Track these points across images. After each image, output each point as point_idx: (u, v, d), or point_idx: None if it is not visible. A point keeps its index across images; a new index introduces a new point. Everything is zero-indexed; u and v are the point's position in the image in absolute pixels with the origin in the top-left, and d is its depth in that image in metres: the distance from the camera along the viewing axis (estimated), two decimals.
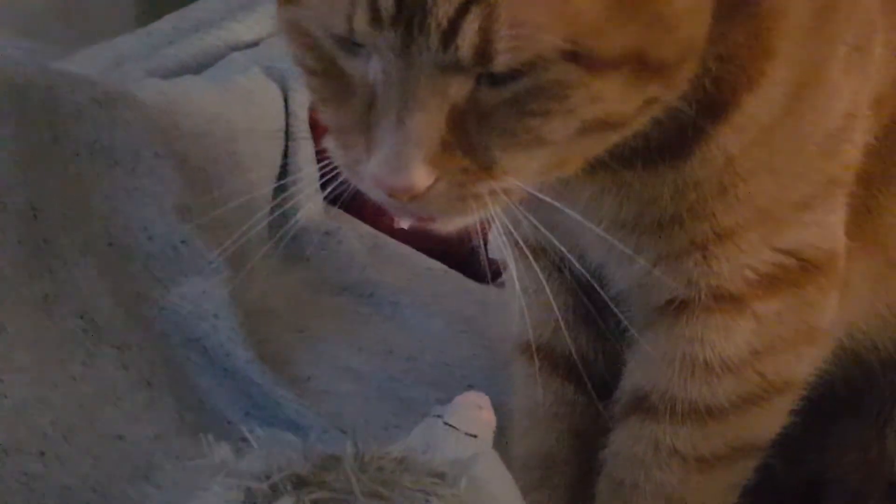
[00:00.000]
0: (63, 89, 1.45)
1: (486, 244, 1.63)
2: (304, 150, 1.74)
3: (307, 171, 1.70)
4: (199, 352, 1.32)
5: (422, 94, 0.77)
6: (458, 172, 0.80)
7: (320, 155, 1.73)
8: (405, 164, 0.78)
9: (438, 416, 0.99)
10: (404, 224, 1.71)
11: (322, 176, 1.60)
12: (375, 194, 0.83)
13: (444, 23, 0.74)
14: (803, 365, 1.04)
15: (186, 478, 0.95)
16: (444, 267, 1.68)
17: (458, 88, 0.78)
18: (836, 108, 0.96)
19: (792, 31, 0.90)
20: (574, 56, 0.76)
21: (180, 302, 1.35)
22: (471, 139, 0.80)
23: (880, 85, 0.99)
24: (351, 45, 0.80)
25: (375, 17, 0.75)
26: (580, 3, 0.75)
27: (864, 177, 1.01)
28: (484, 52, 0.75)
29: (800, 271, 0.99)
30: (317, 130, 1.77)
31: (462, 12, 0.73)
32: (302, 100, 1.78)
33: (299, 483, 0.88)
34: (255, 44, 1.97)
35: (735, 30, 0.87)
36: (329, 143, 0.87)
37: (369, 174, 0.79)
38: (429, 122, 0.78)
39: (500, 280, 1.50)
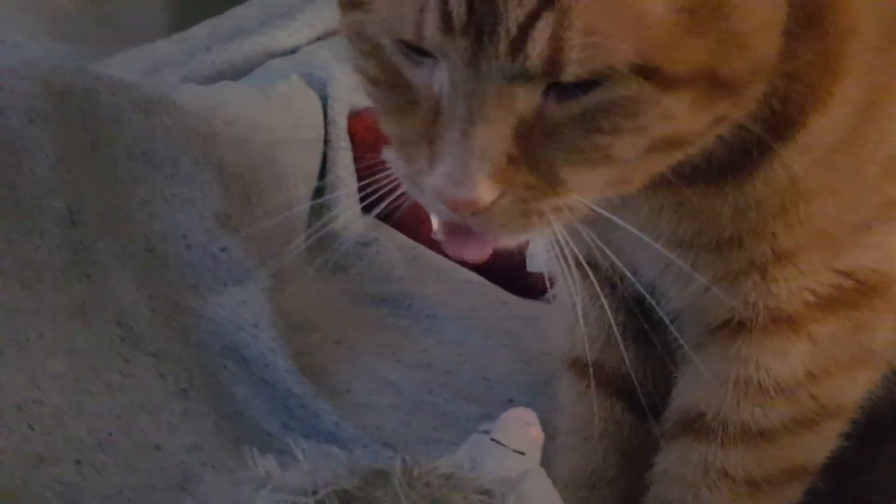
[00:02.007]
0: (102, 93, 1.44)
1: (523, 261, 1.65)
2: (343, 159, 1.74)
3: (346, 180, 1.70)
4: (237, 361, 1.31)
5: (489, 106, 0.77)
6: (523, 188, 0.79)
7: (359, 164, 1.74)
8: (470, 178, 0.77)
9: (486, 432, 0.98)
10: (441, 236, 1.72)
11: (361, 188, 1.61)
12: (436, 208, 0.82)
13: (514, 29, 0.73)
14: (856, 388, 1.03)
15: (226, 490, 0.94)
16: (483, 280, 1.67)
17: (526, 101, 0.77)
18: None
19: (861, 51, 0.89)
20: (645, 71, 0.75)
21: (218, 311, 1.35)
22: (537, 154, 0.79)
23: None
24: (417, 53, 0.79)
25: (447, 24, 0.74)
26: (654, 17, 0.74)
27: None
28: (554, 60, 0.74)
29: (857, 294, 0.98)
30: (355, 139, 1.77)
31: (533, 19, 0.73)
32: (341, 108, 1.79)
33: (346, 499, 0.88)
34: (293, 51, 1.97)
35: (805, 48, 0.86)
36: (389, 154, 0.86)
37: (432, 187, 0.78)
38: (495, 135, 0.77)
39: (544, 295, 1.50)
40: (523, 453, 0.97)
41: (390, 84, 0.83)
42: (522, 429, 0.98)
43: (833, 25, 0.87)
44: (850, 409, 1.03)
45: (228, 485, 0.94)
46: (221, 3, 2.18)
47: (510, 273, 1.67)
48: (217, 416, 1.27)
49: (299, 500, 0.88)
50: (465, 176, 0.77)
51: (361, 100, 1.80)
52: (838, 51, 0.88)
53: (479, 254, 0.88)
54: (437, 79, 0.78)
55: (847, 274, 0.97)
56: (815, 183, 0.92)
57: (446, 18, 0.74)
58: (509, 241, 0.88)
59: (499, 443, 0.97)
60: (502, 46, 0.74)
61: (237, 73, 1.92)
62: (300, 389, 1.28)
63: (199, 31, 2.08)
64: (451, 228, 0.85)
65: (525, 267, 1.65)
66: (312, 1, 2.05)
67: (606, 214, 0.85)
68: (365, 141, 1.76)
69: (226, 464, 1.17)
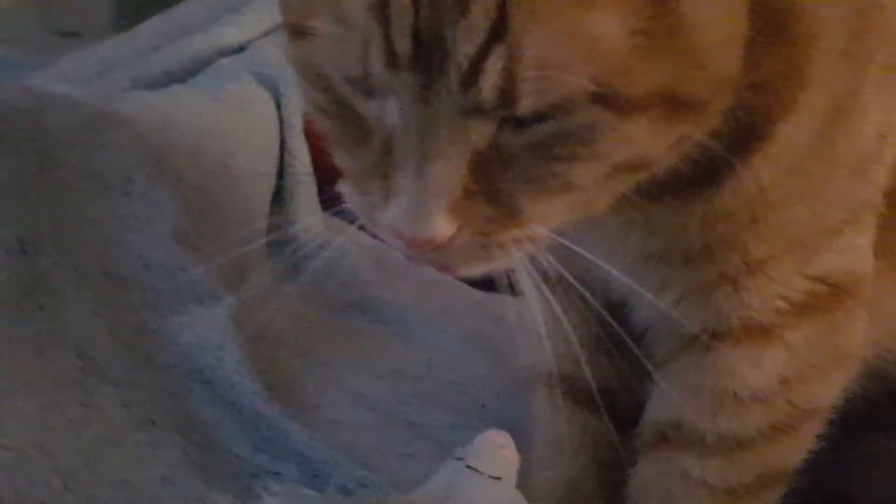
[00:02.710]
0: (49, 113, 1.42)
1: None
2: (301, 159, 1.72)
3: (304, 181, 1.68)
4: (202, 384, 1.29)
5: (442, 141, 0.76)
6: (482, 221, 0.79)
7: (316, 163, 1.72)
8: (425, 215, 0.76)
9: (460, 459, 0.97)
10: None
11: (322, 188, 1.59)
12: (394, 243, 0.81)
13: (465, 64, 0.72)
14: (832, 390, 1.04)
15: None
16: (453, 280, 1.65)
17: (481, 133, 0.76)
18: (868, 131, 0.95)
19: (826, 57, 0.88)
20: (602, 98, 0.74)
21: (181, 333, 1.32)
22: (494, 186, 0.78)
23: None
24: (367, 86, 0.78)
25: (392, 59, 0.73)
26: (608, 42, 0.73)
27: (891, 193, 1.00)
28: (508, 94, 0.73)
29: (830, 297, 0.98)
30: (312, 139, 1.75)
31: (484, 53, 0.72)
32: (295, 107, 1.77)
33: None
34: (242, 48, 1.95)
35: (770, 57, 0.85)
36: (344, 187, 0.86)
37: (387, 224, 0.78)
38: (450, 170, 0.76)
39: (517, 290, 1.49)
40: (499, 478, 0.96)
41: (341, 117, 0.82)
42: (497, 453, 0.97)
43: (798, 33, 0.86)
44: (827, 410, 1.04)
45: None
46: None
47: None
48: (185, 443, 1.24)
49: None
50: (420, 213, 0.76)
51: None
52: (804, 58, 0.87)
53: (446, 273, 0.88)
54: (389, 113, 0.77)
55: (820, 279, 0.97)
56: (784, 191, 0.91)
57: (391, 53, 0.73)
58: (470, 273, 0.87)
59: (475, 469, 0.96)
60: (453, 81, 0.73)
61: (186, 73, 1.89)
62: (269, 411, 1.26)
63: (146, 29, 2.05)
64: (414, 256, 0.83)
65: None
66: None
67: (567, 243, 0.85)
68: (322, 139, 1.74)
69: (197, 492, 1.15)
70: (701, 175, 0.89)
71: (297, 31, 0.81)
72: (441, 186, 0.76)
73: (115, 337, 1.31)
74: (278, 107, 1.77)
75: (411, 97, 0.75)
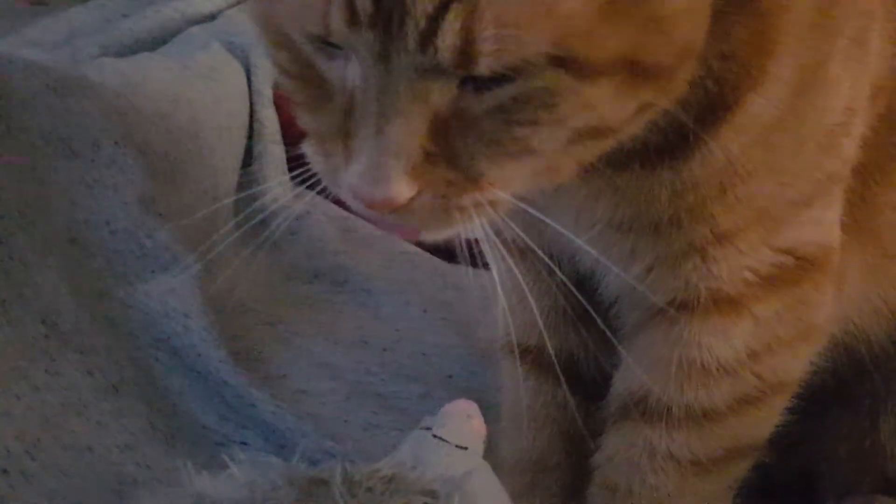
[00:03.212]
0: (14, 77, 1.41)
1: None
2: (270, 129, 1.72)
3: (273, 151, 1.68)
4: (168, 352, 1.29)
5: (402, 101, 0.75)
6: (442, 184, 0.78)
7: (286, 133, 1.72)
8: (385, 176, 0.76)
9: (427, 429, 0.97)
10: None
11: (290, 158, 1.59)
12: (355, 204, 0.80)
13: (423, 22, 0.72)
14: (800, 364, 1.03)
15: (162, 499, 0.92)
16: (418, 250, 1.66)
17: (441, 95, 0.76)
18: (836, 103, 0.94)
19: (795, 28, 0.88)
20: (563, 62, 0.74)
21: (147, 301, 1.32)
22: (455, 149, 0.78)
23: (877, 76, 0.97)
24: (328, 46, 0.77)
25: (353, 16, 0.73)
26: (569, 4, 0.73)
27: (859, 168, 1.00)
28: (465, 54, 0.72)
29: (797, 269, 0.98)
30: (282, 108, 1.74)
31: (442, 10, 0.71)
32: (265, 76, 1.76)
33: None
34: (213, 16, 1.94)
35: (738, 28, 0.85)
36: (307, 148, 0.85)
37: (347, 185, 0.78)
38: (409, 131, 0.76)
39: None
40: (466, 448, 0.96)
41: (303, 77, 0.82)
42: (465, 422, 0.97)
43: (767, 4, 0.86)
44: (794, 384, 1.04)
45: (165, 499, 0.91)
46: None
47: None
48: (150, 411, 1.24)
49: None
50: (379, 174, 0.76)
51: None
52: (772, 29, 0.87)
53: (411, 235, 0.88)
54: (351, 73, 0.77)
55: (787, 251, 0.97)
56: (752, 162, 0.91)
57: (352, 10, 0.73)
58: (432, 237, 0.87)
59: (441, 439, 0.95)
60: (411, 40, 0.73)
61: (156, 41, 1.88)
62: (235, 379, 1.26)
63: None
64: (377, 218, 0.84)
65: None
66: None
67: (535, 213, 0.85)
68: (291, 110, 1.74)
69: (161, 463, 1.15)
70: (670, 145, 0.89)
71: None
72: (400, 147, 0.76)
73: (81, 304, 1.31)
74: (248, 76, 1.76)
75: (371, 56, 0.75)
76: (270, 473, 0.90)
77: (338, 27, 0.74)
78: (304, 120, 0.84)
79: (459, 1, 0.71)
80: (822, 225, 0.98)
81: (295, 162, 1.68)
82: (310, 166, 0.87)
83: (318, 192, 0.98)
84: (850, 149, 0.98)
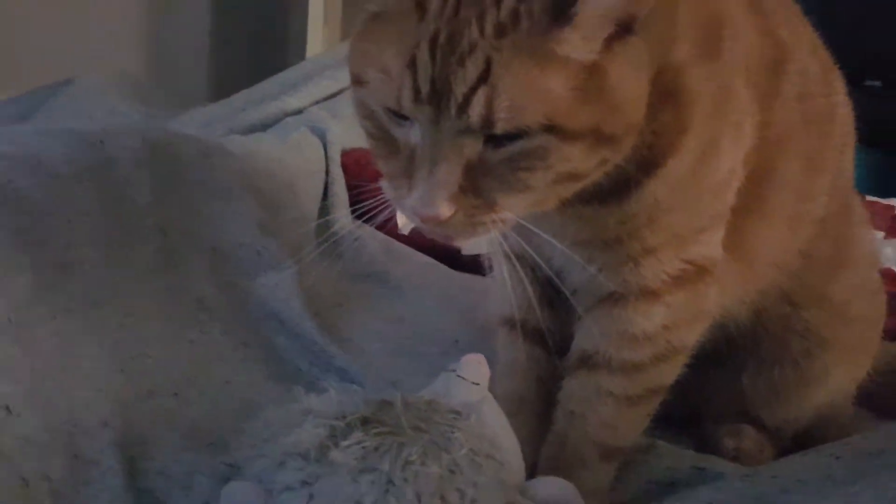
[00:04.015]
0: (179, 144, 1.39)
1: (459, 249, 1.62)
2: (339, 182, 1.69)
3: (341, 197, 1.66)
4: (276, 322, 1.26)
5: (446, 152, 0.75)
6: (470, 208, 0.78)
7: (348, 184, 1.69)
8: (433, 202, 0.76)
9: (453, 371, 0.94)
10: (406, 232, 1.69)
11: (351, 201, 1.56)
12: (414, 220, 0.80)
13: (461, 99, 0.72)
14: (694, 334, 1.01)
15: (282, 416, 0.89)
16: (434, 261, 1.63)
17: (471, 148, 0.76)
18: (723, 166, 0.93)
19: (700, 116, 0.87)
20: (552, 129, 0.74)
21: (263, 289, 1.29)
22: (479, 185, 0.77)
23: (747, 149, 0.96)
24: (398, 117, 0.77)
25: (416, 96, 0.74)
26: (555, 93, 0.73)
27: (735, 208, 0.98)
28: (487, 120, 0.73)
29: (695, 273, 0.96)
30: (346, 169, 1.72)
31: (473, 91, 0.72)
32: (335, 149, 1.75)
33: (365, 422, 0.84)
34: (300, 111, 1.92)
35: (664, 113, 0.84)
36: (383, 183, 0.84)
37: (410, 207, 0.78)
38: (450, 173, 0.76)
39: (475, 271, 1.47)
40: (478, 384, 0.93)
41: (382, 137, 0.81)
42: (477, 367, 0.94)
43: (682, 98, 0.85)
44: (690, 348, 1.02)
45: (284, 412, 0.89)
46: (251, 78, 2.13)
47: (452, 255, 1.63)
48: (265, 359, 1.21)
49: (334, 423, 0.84)
50: (430, 200, 0.76)
51: (349, 142, 1.77)
52: (686, 116, 0.86)
53: (447, 241, 0.89)
54: (412, 134, 0.77)
55: (690, 261, 0.95)
56: (670, 202, 0.90)
57: (416, 92, 0.73)
58: (462, 242, 0.88)
59: (462, 377, 0.93)
60: (453, 111, 0.73)
61: (265, 126, 1.87)
62: (319, 339, 1.23)
63: (237, 98, 2.03)
64: (427, 229, 0.83)
65: (461, 252, 1.63)
66: (312, 77, 1.99)
67: (529, 225, 0.84)
68: (352, 170, 1.72)
69: (274, 393, 1.11)
70: (617, 189, 0.87)
71: (357, 80, 0.80)
72: (444, 183, 0.76)
73: (220, 290, 1.28)
74: (325, 148, 1.74)
75: (427, 122, 0.75)
76: (354, 396, 0.88)
77: (407, 103, 0.74)
78: (381, 165, 0.83)
79: (485, 85, 0.72)
80: (711, 245, 0.97)
81: (353, 202, 1.68)
82: (362, 205, 0.90)
83: (366, 222, 0.98)
84: (731, 196, 0.96)
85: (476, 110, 0.73)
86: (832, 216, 1.12)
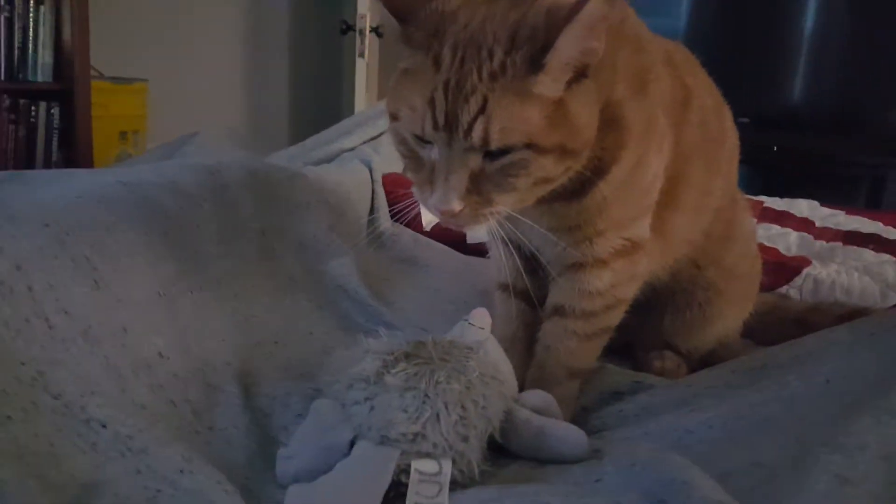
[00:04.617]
0: (273, 173, 1.38)
1: (465, 238, 1.62)
2: (381, 198, 1.68)
3: (383, 207, 1.66)
4: (342, 292, 1.25)
5: (456, 165, 0.75)
6: (475, 204, 0.77)
7: (388, 197, 1.69)
8: (449, 200, 0.75)
9: (465, 320, 0.94)
10: (428, 228, 1.69)
11: (391, 211, 1.55)
12: (435, 214, 0.79)
13: (466, 125, 0.72)
14: (631, 291, 1.01)
15: (348, 355, 0.89)
16: (449, 248, 1.62)
17: (474, 162, 0.75)
18: (650, 173, 0.92)
19: (634, 136, 0.86)
20: (531, 146, 0.73)
21: (333, 269, 1.29)
22: (480, 188, 0.76)
23: (666, 160, 0.96)
24: (423, 141, 0.76)
25: (435, 125, 0.73)
26: (534, 120, 0.73)
27: (658, 203, 0.98)
28: (485, 140, 0.72)
29: (632, 248, 0.96)
30: (386, 187, 1.72)
31: (475, 119, 0.72)
32: (378, 174, 1.73)
33: (407, 356, 0.85)
34: (352, 149, 1.91)
35: (608, 135, 0.83)
36: (413, 190, 0.83)
37: (431, 205, 0.77)
38: (460, 180, 0.75)
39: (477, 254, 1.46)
40: (484, 329, 0.93)
41: (412, 157, 0.80)
42: (484, 317, 0.94)
43: (621, 124, 0.84)
44: (629, 300, 1.01)
45: (350, 352, 0.89)
46: (317, 127, 2.12)
47: (460, 243, 1.62)
48: (337, 318, 1.21)
49: (386, 357, 0.84)
50: (446, 199, 0.75)
51: (386, 168, 1.76)
52: (624, 137, 0.85)
53: (459, 229, 0.87)
54: (433, 153, 0.76)
55: (628, 239, 0.95)
56: (614, 199, 0.89)
57: (434, 122, 0.73)
58: (470, 230, 0.93)
59: (472, 325, 0.93)
60: (460, 135, 0.72)
61: (329, 159, 1.86)
62: (373, 303, 1.22)
63: (308, 141, 2.01)
64: (444, 220, 0.82)
65: (466, 240, 1.62)
66: (360, 125, 1.98)
67: (516, 216, 0.83)
68: (389, 187, 1.71)
69: (343, 340, 1.12)
70: (577, 189, 0.87)
71: (393, 116, 0.80)
72: (455, 187, 0.75)
73: (304, 271, 1.28)
74: (370, 173, 1.73)
75: (442, 144, 0.74)
76: (399, 339, 0.88)
77: (428, 131, 0.74)
78: (411, 176, 0.82)
79: (483, 115, 0.72)
80: (643, 228, 0.96)
81: (392, 209, 1.67)
82: (396, 208, 0.88)
83: (399, 221, 0.97)
84: (655, 194, 0.96)
85: (477, 134, 0.73)
86: (724, 206, 1.12)
